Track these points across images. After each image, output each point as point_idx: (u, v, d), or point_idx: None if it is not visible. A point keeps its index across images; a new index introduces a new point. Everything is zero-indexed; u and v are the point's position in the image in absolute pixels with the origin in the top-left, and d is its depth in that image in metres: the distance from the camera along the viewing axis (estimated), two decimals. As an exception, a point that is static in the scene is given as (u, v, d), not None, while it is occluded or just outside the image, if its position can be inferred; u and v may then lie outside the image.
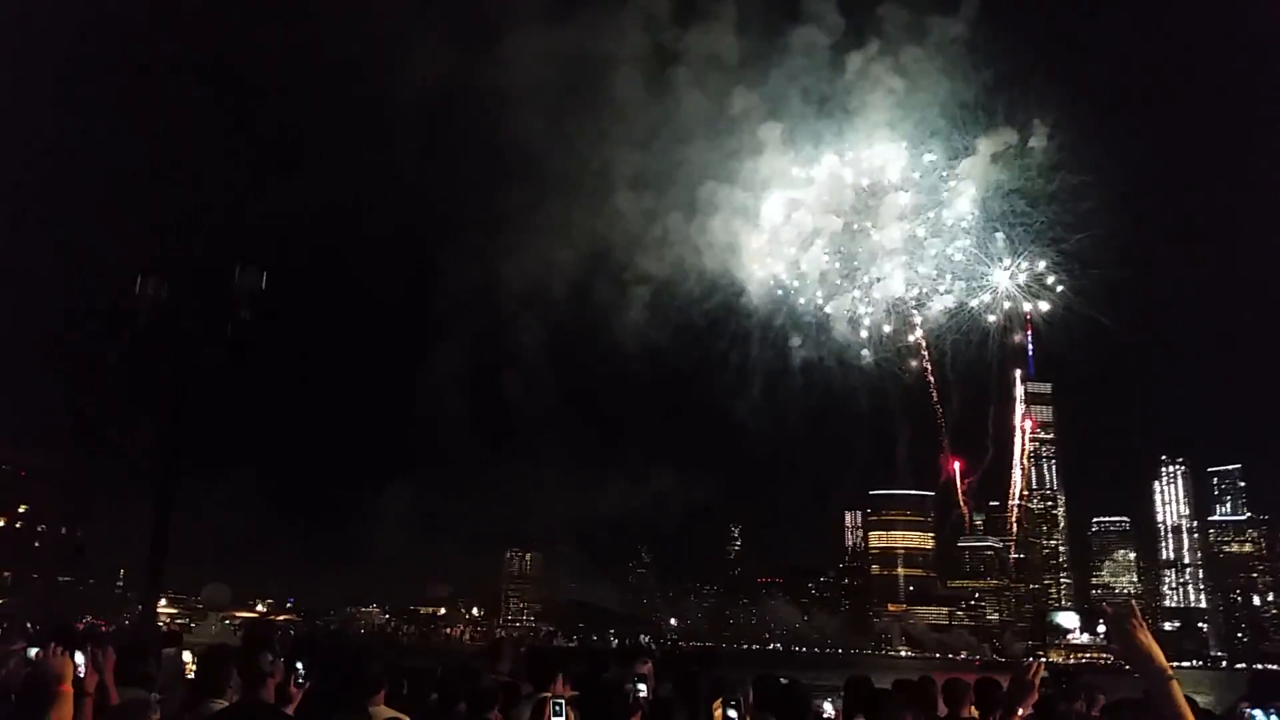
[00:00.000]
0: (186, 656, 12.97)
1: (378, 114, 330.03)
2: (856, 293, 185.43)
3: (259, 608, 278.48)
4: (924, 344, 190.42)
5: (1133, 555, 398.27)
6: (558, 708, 9.66)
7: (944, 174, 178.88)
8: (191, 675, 11.98)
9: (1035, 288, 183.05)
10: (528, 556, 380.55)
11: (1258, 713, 7.41)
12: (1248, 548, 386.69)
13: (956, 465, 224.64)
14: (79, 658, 7.20)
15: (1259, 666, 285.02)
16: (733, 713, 8.02)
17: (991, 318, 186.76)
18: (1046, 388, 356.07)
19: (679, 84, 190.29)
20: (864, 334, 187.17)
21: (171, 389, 21.92)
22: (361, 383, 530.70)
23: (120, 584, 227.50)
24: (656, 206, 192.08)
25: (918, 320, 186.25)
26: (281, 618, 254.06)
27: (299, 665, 8.51)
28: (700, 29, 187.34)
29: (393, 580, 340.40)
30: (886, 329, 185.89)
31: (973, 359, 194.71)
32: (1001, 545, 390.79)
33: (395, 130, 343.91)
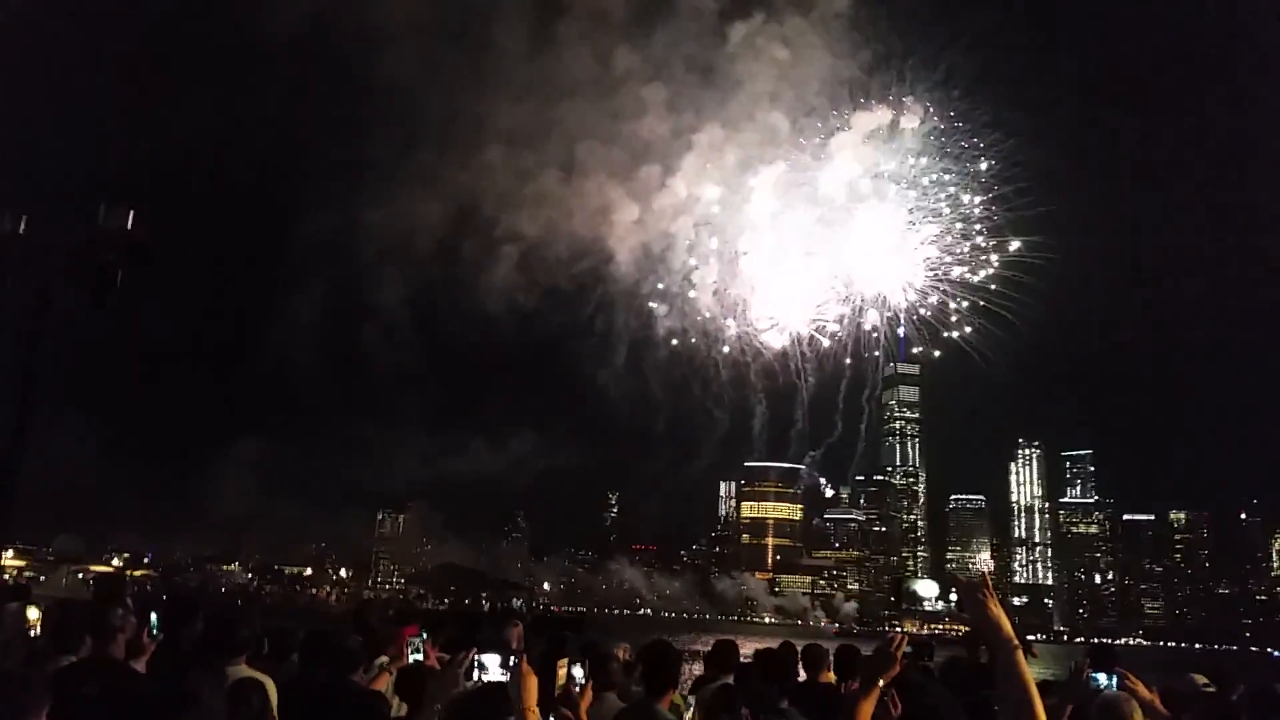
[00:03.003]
0: (32, 613, 12.37)
1: (242, 49, 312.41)
2: (723, 264, 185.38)
3: (114, 561, 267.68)
4: (785, 319, 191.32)
5: (987, 532, 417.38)
6: (414, 644, 9.64)
7: (818, 151, 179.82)
8: (35, 631, 11.48)
9: (903, 269, 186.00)
10: (400, 518, 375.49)
11: (1100, 676, 7.93)
12: (1093, 529, 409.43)
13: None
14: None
15: (1096, 640, 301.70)
16: (577, 670, 8.11)
17: (853, 298, 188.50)
18: (914, 369, 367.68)
19: (562, 37, 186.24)
20: (728, 306, 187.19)
21: (26, 329, 20.79)
22: (212, 330, 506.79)
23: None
24: (530, 164, 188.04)
25: (781, 295, 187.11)
26: (138, 573, 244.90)
27: (152, 618, 8.27)
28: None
29: (256, 538, 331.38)
30: (751, 301, 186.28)
31: (836, 336, 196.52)
32: (864, 519, 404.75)
33: (259, 66, 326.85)
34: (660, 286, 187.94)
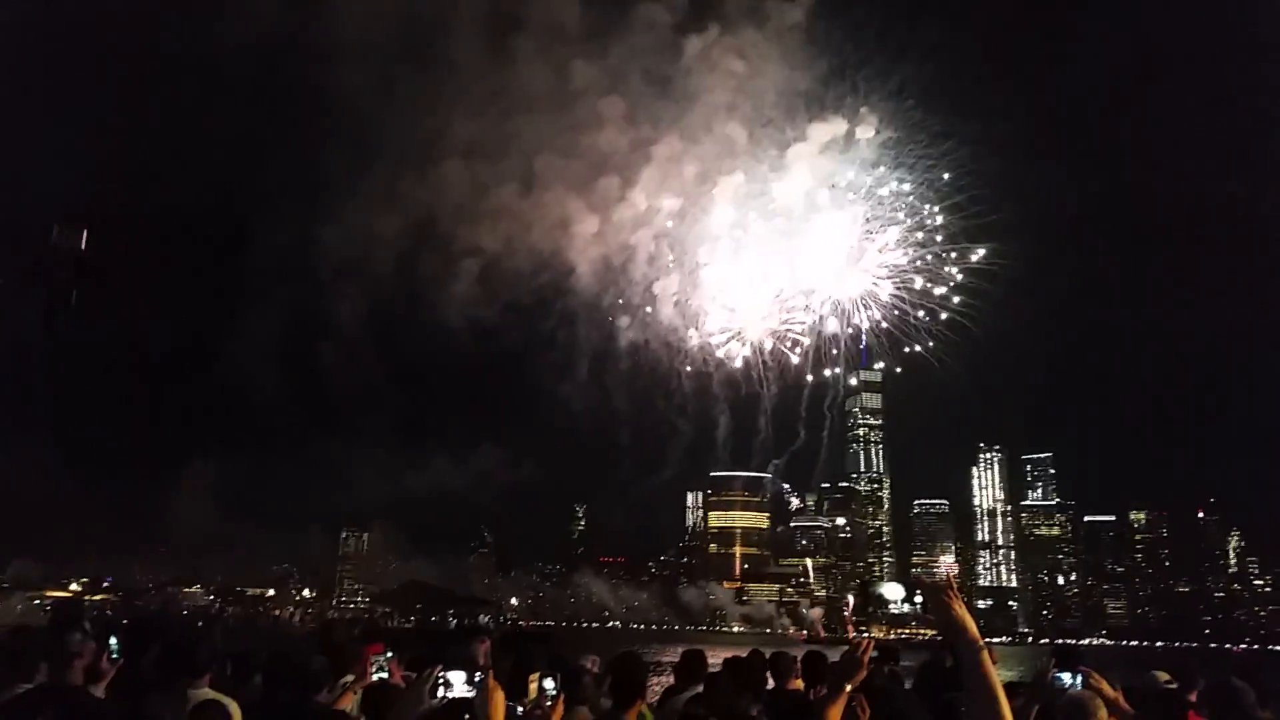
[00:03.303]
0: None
1: (196, 65, 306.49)
2: (684, 275, 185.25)
3: (73, 586, 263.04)
4: (746, 329, 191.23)
5: (951, 536, 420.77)
6: (378, 663, 9.55)
7: (775, 162, 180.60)
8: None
9: (862, 278, 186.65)
10: (364, 536, 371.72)
11: (1065, 675, 8.05)
12: (1055, 531, 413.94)
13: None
14: None
15: (1060, 642, 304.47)
16: (549, 684, 8.08)
17: (813, 308, 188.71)
18: (876, 376, 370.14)
19: (519, 51, 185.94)
20: (689, 317, 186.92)
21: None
22: (167, 349, 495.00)
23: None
24: (488, 177, 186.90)
25: (742, 305, 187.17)
26: (97, 597, 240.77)
27: (111, 642, 8.13)
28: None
29: (217, 559, 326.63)
30: (712, 312, 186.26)
31: (797, 345, 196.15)
32: (830, 525, 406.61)
33: (213, 83, 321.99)
34: (621, 300, 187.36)
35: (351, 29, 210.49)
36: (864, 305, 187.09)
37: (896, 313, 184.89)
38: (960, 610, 5.30)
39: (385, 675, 9.50)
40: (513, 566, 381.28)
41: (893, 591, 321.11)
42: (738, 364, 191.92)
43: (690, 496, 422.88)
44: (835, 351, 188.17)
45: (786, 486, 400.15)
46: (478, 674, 7.06)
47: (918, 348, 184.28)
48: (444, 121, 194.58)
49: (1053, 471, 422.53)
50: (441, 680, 7.04)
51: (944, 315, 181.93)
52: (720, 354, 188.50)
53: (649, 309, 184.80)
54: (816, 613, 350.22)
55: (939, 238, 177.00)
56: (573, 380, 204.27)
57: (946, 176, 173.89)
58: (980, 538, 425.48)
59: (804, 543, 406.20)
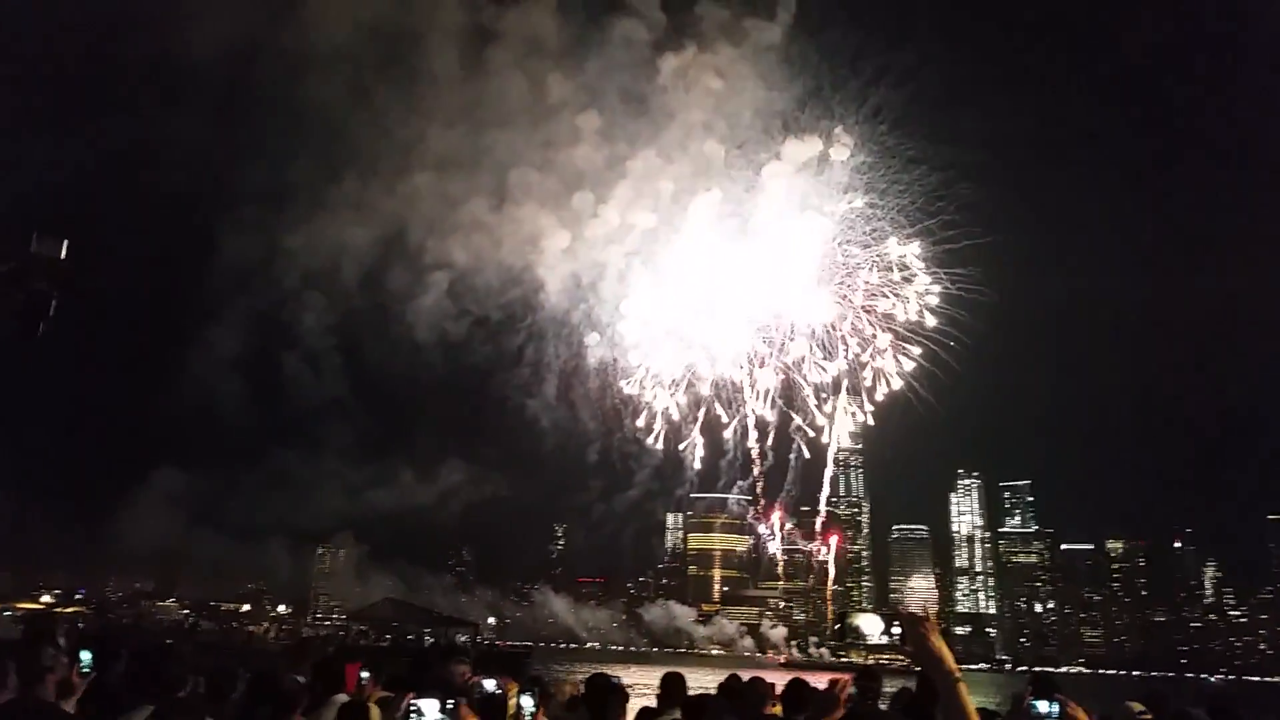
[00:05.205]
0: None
1: (163, 72, 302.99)
2: (656, 294, 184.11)
3: (44, 598, 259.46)
4: (719, 351, 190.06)
5: (929, 561, 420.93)
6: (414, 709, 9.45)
7: (750, 182, 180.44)
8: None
9: (836, 303, 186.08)
10: (340, 553, 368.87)
11: (1041, 703, 8.08)
12: (1033, 558, 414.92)
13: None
14: None
15: (1038, 669, 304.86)
16: (526, 700, 8.04)
17: (785, 330, 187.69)
18: (856, 401, 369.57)
19: (495, 64, 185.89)
20: (659, 336, 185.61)
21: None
22: (129, 362, 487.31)
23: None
24: (460, 190, 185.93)
25: (714, 326, 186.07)
26: (70, 610, 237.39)
27: (83, 656, 8.05)
28: (520, 9, 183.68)
29: (191, 573, 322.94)
30: (682, 332, 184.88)
31: (774, 367, 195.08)
32: (810, 549, 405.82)
33: (180, 90, 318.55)
34: (591, 316, 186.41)
35: (324, 38, 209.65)
36: (839, 330, 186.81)
37: (873, 338, 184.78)
38: (937, 642, 5.32)
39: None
40: (490, 585, 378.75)
41: (870, 624, 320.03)
42: (707, 388, 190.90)
43: (671, 518, 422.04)
44: (810, 374, 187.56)
45: (754, 510, 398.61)
46: (449, 701, 6.98)
47: (895, 375, 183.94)
48: (417, 133, 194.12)
49: (1031, 499, 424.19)
50: (414, 709, 6.91)
51: (919, 341, 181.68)
52: (691, 375, 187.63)
53: (620, 326, 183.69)
54: (780, 633, 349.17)
55: (914, 263, 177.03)
56: (541, 397, 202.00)
57: (921, 202, 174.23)
58: (959, 564, 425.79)
59: (780, 567, 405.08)
